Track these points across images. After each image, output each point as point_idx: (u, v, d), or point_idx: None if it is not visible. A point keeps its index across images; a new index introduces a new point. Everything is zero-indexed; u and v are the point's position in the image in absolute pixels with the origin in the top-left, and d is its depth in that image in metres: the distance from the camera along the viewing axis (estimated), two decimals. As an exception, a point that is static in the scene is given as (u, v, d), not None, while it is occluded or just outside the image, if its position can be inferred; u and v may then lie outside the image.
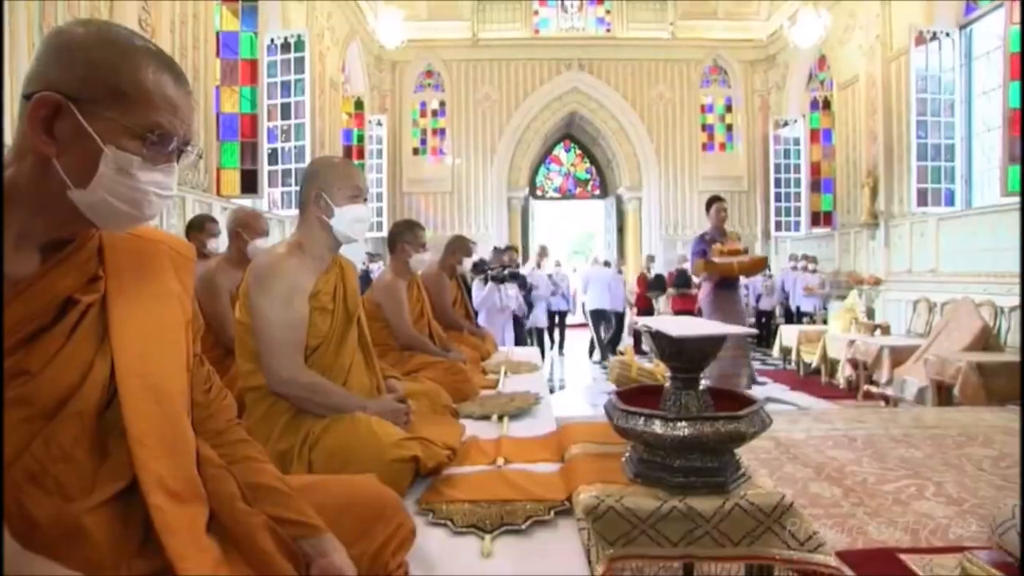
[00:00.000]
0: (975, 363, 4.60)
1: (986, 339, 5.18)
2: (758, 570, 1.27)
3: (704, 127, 11.26)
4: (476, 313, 4.59)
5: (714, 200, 4.45)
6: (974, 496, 2.66)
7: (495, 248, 6.60)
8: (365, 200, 1.61)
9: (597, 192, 12.96)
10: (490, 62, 10.99)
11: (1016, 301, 5.23)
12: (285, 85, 6.96)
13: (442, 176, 11.04)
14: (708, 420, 1.21)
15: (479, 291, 5.20)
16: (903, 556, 2.11)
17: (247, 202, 5.93)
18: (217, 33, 5.90)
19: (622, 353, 2.74)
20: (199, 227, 3.05)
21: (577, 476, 1.32)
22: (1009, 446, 3.37)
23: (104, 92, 0.66)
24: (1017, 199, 5.38)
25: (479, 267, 5.22)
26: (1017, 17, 5.32)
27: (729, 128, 11.30)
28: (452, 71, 11.02)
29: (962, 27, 6.67)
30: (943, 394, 4.78)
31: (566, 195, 13.05)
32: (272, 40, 6.82)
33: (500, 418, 1.98)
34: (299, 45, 6.88)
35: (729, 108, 11.27)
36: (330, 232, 1.56)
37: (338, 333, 1.56)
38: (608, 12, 11.07)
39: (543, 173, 12.85)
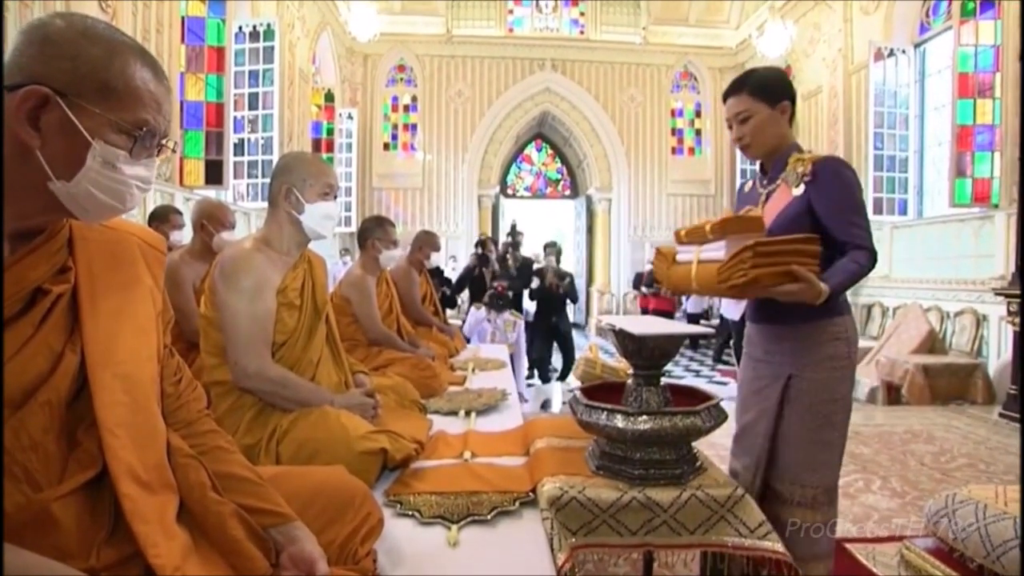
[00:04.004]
0: (921, 365, 4.87)
1: (932, 342, 5.48)
2: (712, 557, 1.33)
3: (674, 131, 11.46)
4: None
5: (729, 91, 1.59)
6: (915, 489, 2.82)
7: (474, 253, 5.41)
8: (335, 197, 1.61)
9: (568, 192, 13.06)
10: (463, 59, 10.95)
11: (960, 307, 5.51)
12: (253, 74, 6.79)
13: (413, 172, 10.95)
14: (667, 415, 1.27)
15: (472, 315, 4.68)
16: (849, 546, 2.23)
17: (211, 193, 5.77)
18: (183, 18, 5.73)
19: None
20: (162, 218, 2.96)
21: (542, 468, 1.36)
22: (949, 443, 3.57)
23: (93, 87, 0.67)
24: (963, 210, 5.67)
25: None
26: (964, 39, 5.62)
27: (698, 133, 11.52)
28: (425, 66, 10.94)
29: (916, 45, 6.98)
30: (892, 394, 5.03)
31: (537, 194, 13.11)
32: (240, 28, 6.65)
33: (467, 413, 2.00)
34: (268, 34, 6.74)
35: (698, 113, 11.50)
36: (299, 228, 1.56)
37: (306, 328, 1.56)
38: (582, 14, 11.16)
39: (514, 172, 12.88)
